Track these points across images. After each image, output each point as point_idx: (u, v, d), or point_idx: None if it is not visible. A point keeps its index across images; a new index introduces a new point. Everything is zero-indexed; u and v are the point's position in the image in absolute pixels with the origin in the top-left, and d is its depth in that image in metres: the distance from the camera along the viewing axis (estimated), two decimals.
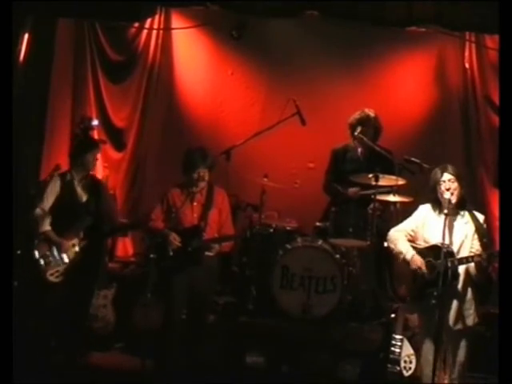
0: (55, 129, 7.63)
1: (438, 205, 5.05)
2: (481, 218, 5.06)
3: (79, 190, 5.88)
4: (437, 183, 5.02)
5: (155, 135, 8.15)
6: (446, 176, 5.00)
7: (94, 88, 7.96)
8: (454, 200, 4.96)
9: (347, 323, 6.45)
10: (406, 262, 5.05)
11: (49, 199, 5.79)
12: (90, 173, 5.97)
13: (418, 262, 5.00)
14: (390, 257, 5.34)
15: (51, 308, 5.73)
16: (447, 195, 4.95)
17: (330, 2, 6.55)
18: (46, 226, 5.76)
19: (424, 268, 4.97)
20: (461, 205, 5.04)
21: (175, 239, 5.67)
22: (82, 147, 5.94)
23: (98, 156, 6.23)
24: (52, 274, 5.67)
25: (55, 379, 5.39)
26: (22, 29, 6.88)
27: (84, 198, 5.88)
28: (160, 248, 5.79)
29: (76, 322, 5.85)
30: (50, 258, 5.69)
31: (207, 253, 5.68)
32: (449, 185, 4.98)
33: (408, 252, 5.05)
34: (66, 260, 5.73)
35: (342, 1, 6.48)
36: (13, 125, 5.13)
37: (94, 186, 5.94)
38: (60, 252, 5.72)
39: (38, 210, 5.73)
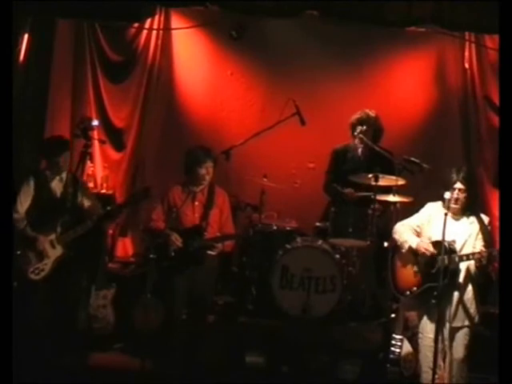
0: (55, 129, 7.62)
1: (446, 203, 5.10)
2: (486, 219, 5.16)
3: (53, 186, 5.82)
4: (448, 186, 5.08)
5: (155, 135, 8.14)
6: (458, 185, 5.06)
7: (94, 88, 7.96)
8: (458, 206, 5.07)
9: (347, 323, 6.45)
10: (412, 250, 5.15)
11: (23, 203, 5.74)
12: (66, 170, 5.89)
13: (425, 244, 5.11)
14: (394, 249, 5.36)
15: (41, 306, 5.68)
16: (454, 202, 5.04)
17: (329, 1, 6.55)
18: (23, 225, 5.71)
19: (431, 249, 5.06)
20: (468, 207, 5.12)
21: (177, 239, 5.67)
22: (53, 150, 5.85)
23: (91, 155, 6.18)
24: (33, 272, 5.61)
25: (55, 379, 5.39)
26: (22, 29, 6.88)
27: (58, 193, 5.82)
28: (160, 248, 5.79)
29: (68, 319, 5.82)
30: (30, 256, 5.63)
31: (210, 252, 5.69)
32: (457, 194, 5.05)
33: (413, 241, 5.17)
34: (45, 256, 5.65)
35: (342, 1, 6.49)
36: (13, 125, 5.12)
37: (70, 181, 5.84)
38: (37, 248, 5.64)
39: (15, 215, 5.68)
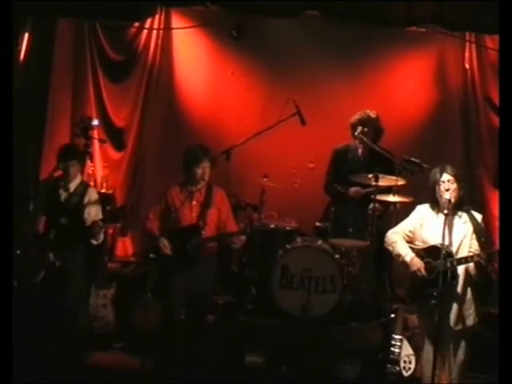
0: (55, 128, 7.63)
1: (436, 205, 5.05)
2: (479, 217, 5.06)
3: (61, 192, 5.87)
4: (436, 183, 5.03)
5: (155, 135, 8.15)
6: (446, 177, 5.00)
7: (94, 88, 7.96)
8: (453, 200, 4.96)
9: (347, 323, 6.45)
10: (406, 264, 5.04)
11: (35, 205, 5.90)
12: (78, 178, 5.95)
13: (418, 264, 4.99)
14: (390, 257, 5.33)
15: (41, 306, 5.68)
16: (447, 196, 4.95)
17: (330, 1, 6.56)
18: (31, 229, 5.80)
19: (423, 271, 4.97)
20: (459, 205, 5.04)
21: (165, 247, 5.64)
22: (65, 157, 5.91)
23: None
24: (32, 275, 5.65)
25: (55, 379, 5.39)
26: (23, 29, 6.89)
27: (63, 199, 5.87)
28: (158, 248, 5.78)
29: (68, 321, 5.81)
30: (31, 259, 5.67)
31: (233, 245, 5.73)
32: (448, 185, 4.99)
33: (407, 254, 5.05)
34: (47, 260, 5.69)
35: (342, 1, 6.49)
36: (13, 124, 5.12)
37: (79, 189, 5.90)
38: (36, 252, 5.69)
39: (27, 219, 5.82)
